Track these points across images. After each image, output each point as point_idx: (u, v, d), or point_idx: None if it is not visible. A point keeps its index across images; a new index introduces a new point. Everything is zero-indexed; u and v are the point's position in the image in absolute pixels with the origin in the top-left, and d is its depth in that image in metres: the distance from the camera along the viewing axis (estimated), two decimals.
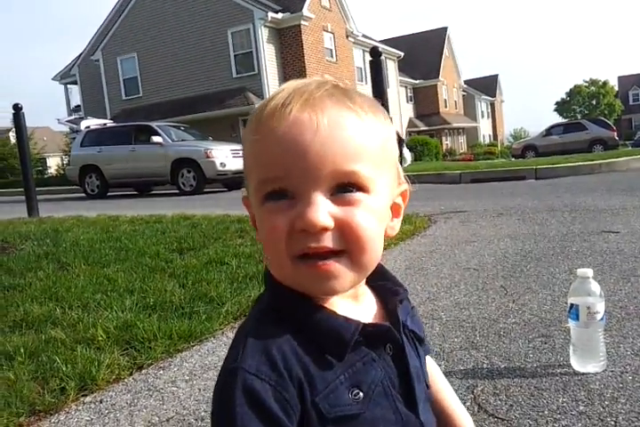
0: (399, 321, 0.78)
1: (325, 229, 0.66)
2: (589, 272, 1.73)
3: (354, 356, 0.71)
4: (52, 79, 30.71)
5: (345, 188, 0.69)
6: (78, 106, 28.48)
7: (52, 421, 1.69)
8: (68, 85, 29.98)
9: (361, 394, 0.69)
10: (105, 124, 15.31)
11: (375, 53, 5.79)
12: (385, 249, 4.06)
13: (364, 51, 25.79)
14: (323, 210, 0.67)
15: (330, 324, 0.70)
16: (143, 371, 2.04)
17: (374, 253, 0.71)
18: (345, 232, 0.68)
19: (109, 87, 25.40)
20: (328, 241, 0.67)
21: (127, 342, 2.26)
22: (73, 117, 17.98)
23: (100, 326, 2.37)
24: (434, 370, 0.94)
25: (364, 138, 0.70)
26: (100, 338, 2.27)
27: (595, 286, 1.71)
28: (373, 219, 0.70)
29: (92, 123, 15.19)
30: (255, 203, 0.72)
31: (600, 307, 1.70)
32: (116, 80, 25.19)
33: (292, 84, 0.73)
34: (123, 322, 2.43)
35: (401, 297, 0.81)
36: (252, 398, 0.64)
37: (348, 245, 0.68)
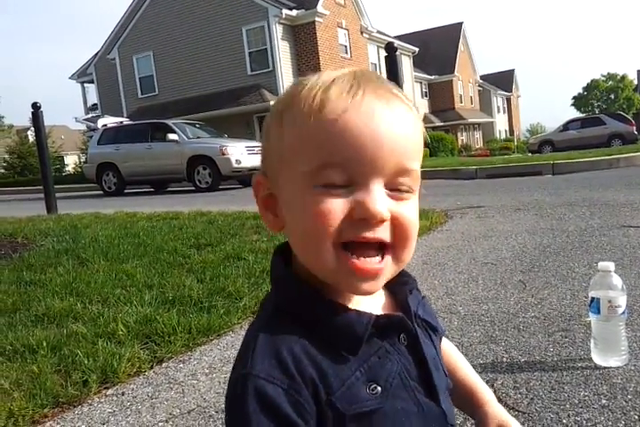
0: (410, 311, 0.77)
1: (383, 221, 0.66)
2: (611, 266, 1.71)
3: (368, 349, 0.70)
4: (69, 78, 31.01)
5: (399, 184, 0.69)
6: (95, 104, 28.74)
7: (76, 413, 1.71)
8: (85, 84, 30.26)
9: (379, 388, 0.69)
10: (121, 123, 15.45)
11: (390, 49, 5.77)
12: None
13: (378, 47, 25.68)
14: (384, 201, 0.66)
15: (342, 319, 0.69)
16: (163, 364, 2.06)
17: (412, 251, 0.72)
18: (397, 227, 0.67)
19: (125, 86, 25.58)
20: (382, 233, 0.66)
21: (147, 337, 2.28)
22: (90, 116, 18.17)
23: (121, 321, 2.40)
24: (451, 349, 0.94)
25: (420, 137, 0.73)
26: (121, 332, 2.29)
27: (616, 280, 1.70)
28: (417, 217, 0.71)
29: (109, 121, 15.33)
30: (299, 186, 0.67)
31: (622, 301, 1.69)
32: (132, 78, 25.37)
33: (333, 72, 0.72)
34: (142, 316, 2.45)
35: (410, 286, 0.80)
36: (265, 403, 0.63)
37: (396, 241, 0.68)
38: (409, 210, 0.69)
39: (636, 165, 11.11)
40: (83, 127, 22.29)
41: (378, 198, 0.66)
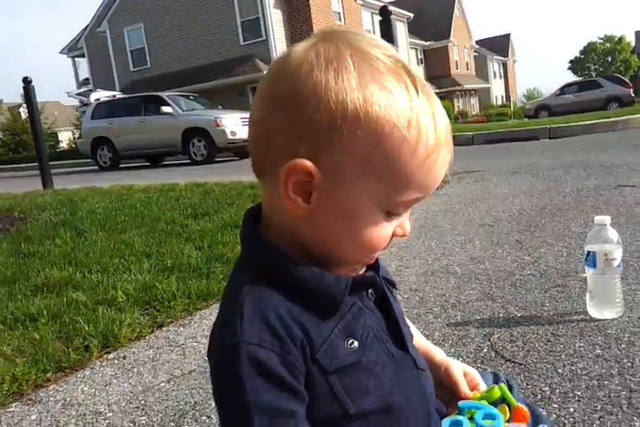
0: (379, 267, 0.81)
1: None
2: (607, 219, 1.71)
3: (343, 307, 0.73)
4: (60, 53, 30.52)
5: None
6: (87, 79, 28.34)
7: (79, 376, 1.74)
8: (76, 58, 29.79)
9: (356, 343, 0.72)
10: (114, 96, 15.27)
11: (385, 13, 5.66)
12: None
13: (372, 13, 25.23)
14: None
15: (322, 282, 0.71)
16: (164, 329, 2.08)
17: None
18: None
19: (117, 59, 25.21)
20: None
21: (147, 303, 2.30)
22: (82, 90, 17.87)
23: (120, 288, 2.41)
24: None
25: None
26: (121, 299, 2.31)
27: (612, 233, 1.70)
28: None
29: (102, 95, 15.16)
30: (371, 204, 0.68)
31: (617, 254, 1.69)
32: (124, 51, 24.98)
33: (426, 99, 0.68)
34: (142, 284, 2.47)
35: None
36: (258, 367, 0.64)
37: None
38: None
39: (632, 128, 11.04)
40: (75, 103, 21.99)
41: (408, 219, 0.75)
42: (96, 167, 14.35)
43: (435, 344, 1.69)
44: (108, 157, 14.19)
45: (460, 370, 0.93)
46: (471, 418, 0.77)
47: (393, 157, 0.65)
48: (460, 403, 0.81)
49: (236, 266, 0.79)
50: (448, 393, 0.92)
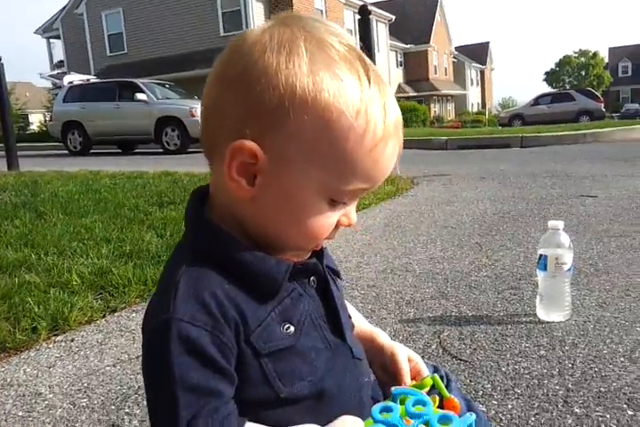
0: (323, 255, 0.82)
1: None
2: (560, 224, 1.75)
3: (282, 292, 0.73)
4: (34, 33, 29.84)
5: None
6: (61, 61, 27.78)
7: (22, 357, 1.70)
8: (51, 40, 29.18)
9: (292, 328, 0.72)
10: (88, 80, 15.00)
11: (364, 12, 5.67)
12: (365, 208, 4.09)
13: (354, 13, 25.26)
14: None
15: (263, 265, 0.71)
16: (116, 314, 2.05)
17: None
18: None
19: (93, 43, 24.76)
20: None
21: (102, 287, 2.26)
22: (56, 72, 17.56)
23: (75, 272, 2.37)
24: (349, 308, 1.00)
25: None
26: (75, 282, 2.27)
27: (564, 238, 1.74)
28: None
29: (75, 78, 14.87)
30: (314, 191, 0.68)
31: (568, 258, 1.73)
32: (101, 35, 24.56)
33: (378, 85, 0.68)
34: (98, 268, 2.43)
35: None
36: (188, 345, 0.64)
37: None
38: None
39: (601, 141, 11.30)
40: (48, 85, 21.61)
41: (354, 210, 0.75)
42: (66, 151, 14.07)
43: None
44: (78, 142, 13.92)
45: (404, 356, 0.94)
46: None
47: (339, 145, 0.65)
48: (393, 389, 0.81)
49: (177, 245, 0.79)
50: (391, 377, 0.93)
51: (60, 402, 1.39)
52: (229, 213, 0.73)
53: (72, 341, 1.81)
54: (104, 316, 2.04)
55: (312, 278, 0.79)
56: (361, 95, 0.65)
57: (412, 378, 0.92)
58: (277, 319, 0.72)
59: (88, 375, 1.54)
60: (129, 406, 1.35)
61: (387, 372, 0.94)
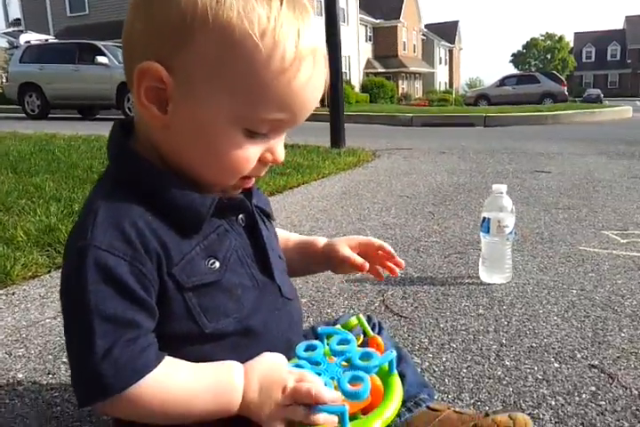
0: (251, 194, 0.81)
1: None
2: (503, 188, 1.78)
3: (208, 227, 0.73)
4: None
5: None
6: (18, 19, 26.61)
7: None
8: None
9: (217, 263, 0.72)
10: (46, 41, 14.43)
11: None
12: (324, 177, 4.09)
13: None
14: (282, 146, 0.75)
15: (186, 198, 0.70)
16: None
17: None
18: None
19: (53, 1, 23.77)
20: (267, 169, 0.76)
21: (49, 244, 2.21)
22: (11, 30, 16.82)
23: (22, 228, 2.31)
24: (283, 232, 1.02)
25: None
26: (20, 239, 2.21)
27: (506, 202, 1.77)
28: None
29: (33, 37, 14.35)
30: (226, 120, 0.66)
31: (510, 221, 1.77)
32: None
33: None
34: (45, 226, 2.37)
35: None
36: (105, 274, 0.63)
37: None
38: None
39: (562, 123, 11.53)
40: (4, 44, 20.68)
41: (282, 145, 0.74)
42: (24, 115, 13.58)
43: (331, 297, 1.73)
44: (36, 105, 13.43)
45: (343, 245, 0.97)
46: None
47: (244, 66, 0.63)
48: (319, 328, 0.83)
49: (100, 175, 0.77)
50: (350, 268, 0.97)
51: None
52: (149, 142, 0.71)
53: (13, 294, 1.77)
54: (49, 272, 2.00)
55: (240, 217, 0.78)
56: (269, 15, 0.63)
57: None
58: (202, 254, 0.71)
59: (27, 327, 1.52)
60: (66, 356, 1.34)
61: (343, 267, 0.98)
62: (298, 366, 0.72)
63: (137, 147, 0.72)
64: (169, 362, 0.68)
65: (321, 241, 1.00)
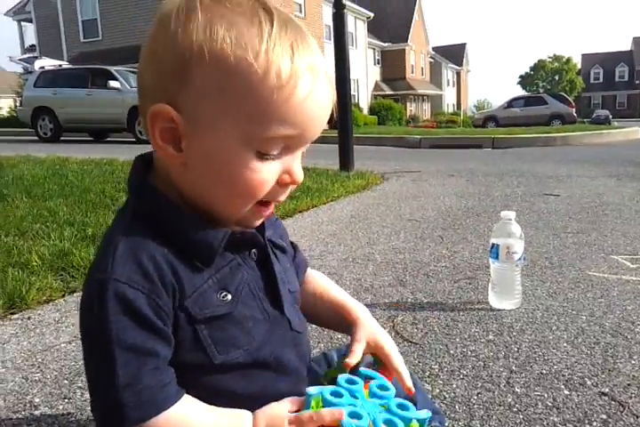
0: (264, 229, 0.82)
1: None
2: (512, 214, 1.80)
3: (221, 261, 0.75)
4: (5, 15, 29.09)
5: (304, 148, 0.75)
6: (33, 45, 27.13)
7: None
8: (23, 23, 28.49)
9: (229, 296, 0.74)
10: (60, 66, 14.73)
11: (339, 5, 5.68)
12: (333, 200, 4.12)
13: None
14: (300, 166, 0.74)
15: (201, 233, 0.73)
16: (75, 294, 2.05)
17: None
18: (293, 187, 0.76)
19: (67, 28, 24.20)
20: (287, 193, 0.76)
21: (62, 269, 2.25)
22: (27, 56, 17.17)
23: (36, 253, 2.35)
24: (317, 276, 1.02)
25: None
26: (35, 263, 2.25)
27: (515, 228, 1.79)
28: None
29: (47, 63, 14.58)
30: (235, 145, 0.68)
31: (519, 247, 1.79)
32: (75, 21, 24.02)
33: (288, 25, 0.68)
34: (59, 250, 2.41)
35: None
36: (125, 306, 0.65)
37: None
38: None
39: (570, 144, 11.54)
40: (19, 69, 21.12)
41: (299, 165, 0.73)
42: (36, 138, 13.79)
43: None
44: (48, 128, 13.65)
45: (359, 334, 0.91)
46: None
47: (244, 89, 0.65)
48: (361, 369, 0.85)
49: (118, 210, 0.80)
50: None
51: (12, 376, 1.39)
52: (168, 179, 0.74)
53: (29, 319, 1.80)
54: (63, 296, 2.03)
55: (253, 251, 0.80)
56: (260, 39, 0.65)
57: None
58: (214, 287, 0.73)
59: (43, 351, 1.55)
60: (82, 381, 1.36)
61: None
62: (337, 392, 0.73)
63: (157, 182, 0.75)
64: (187, 400, 0.69)
65: (352, 313, 0.95)
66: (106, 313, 0.65)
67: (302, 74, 0.66)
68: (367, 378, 0.81)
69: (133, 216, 0.73)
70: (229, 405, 0.73)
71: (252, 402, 0.74)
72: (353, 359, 0.86)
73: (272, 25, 0.66)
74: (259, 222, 0.79)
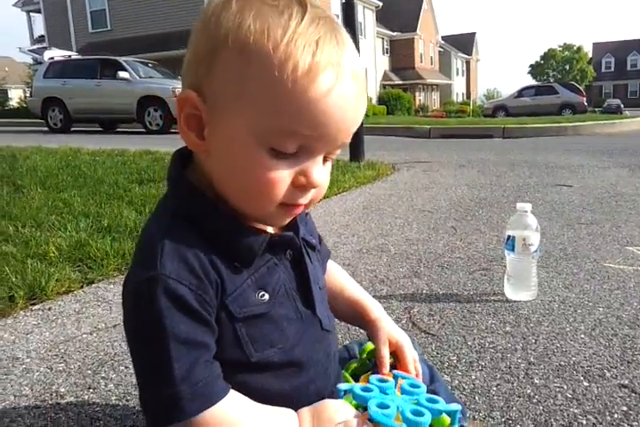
0: (299, 230, 0.83)
1: (315, 187, 0.72)
2: (527, 206, 1.80)
3: (259, 261, 0.76)
4: (13, 5, 29.10)
5: (334, 154, 0.74)
6: (42, 36, 27.15)
7: (0, 324, 1.72)
8: (31, 13, 28.49)
9: (266, 296, 0.75)
10: (69, 57, 14.75)
11: None
12: (345, 191, 4.12)
13: None
14: (321, 171, 0.72)
15: (242, 236, 0.74)
16: (94, 285, 2.07)
17: None
18: (317, 191, 0.74)
19: (76, 18, 24.23)
20: (309, 195, 0.73)
21: (79, 260, 2.27)
22: (36, 47, 17.21)
23: (53, 244, 2.38)
24: (337, 271, 1.04)
25: None
26: (52, 254, 2.28)
27: (531, 220, 1.79)
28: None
29: (56, 54, 14.63)
30: (249, 140, 0.67)
31: (535, 239, 1.79)
32: (83, 11, 24.05)
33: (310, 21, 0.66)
34: (76, 241, 2.44)
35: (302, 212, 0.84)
36: (176, 301, 0.66)
37: (313, 197, 0.75)
38: (328, 176, 0.76)
39: (581, 134, 11.45)
40: (29, 60, 21.16)
41: (319, 169, 0.71)
42: (46, 129, 13.86)
43: None
44: (58, 119, 13.72)
45: (382, 337, 0.95)
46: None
47: (262, 80, 0.64)
48: (394, 372, 0.87)
49: (159, 202, 0.80)
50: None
51: (37, 366, 1.42)
52: (201, 170, 0.75)
53: (49, 309, 1.83)
54: (82, 287, 2.06)
55: (288, 251, 0.81)
56: (284, 30, 0.64)
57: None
58: (253, 286, 0.75)
59: (65, 342, 1.57)
60: (105, 371, 1.38)
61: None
62: (367, 389, 0.75)
63: (193, 175, 0.75)
64: (234, 395, 0.71)
65: (371, 313, 0.99)
66: (158, 308, 0.66)
67: (323, 70, 0.64)
68: (400, 378, 0.83)
69: (173, 215, 0.74)
70: (262, 403, 0.73)
71: (285, 401, 0.75)
72: (387, 365, 0.91)
73: (302, 19, 0.66)
74: (285, 222, 0.78)
